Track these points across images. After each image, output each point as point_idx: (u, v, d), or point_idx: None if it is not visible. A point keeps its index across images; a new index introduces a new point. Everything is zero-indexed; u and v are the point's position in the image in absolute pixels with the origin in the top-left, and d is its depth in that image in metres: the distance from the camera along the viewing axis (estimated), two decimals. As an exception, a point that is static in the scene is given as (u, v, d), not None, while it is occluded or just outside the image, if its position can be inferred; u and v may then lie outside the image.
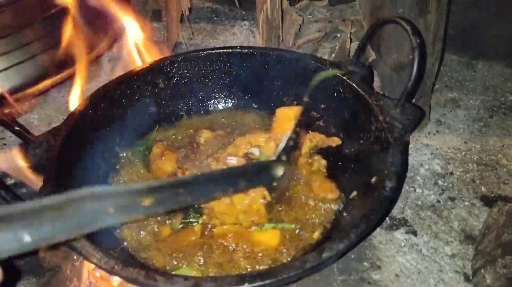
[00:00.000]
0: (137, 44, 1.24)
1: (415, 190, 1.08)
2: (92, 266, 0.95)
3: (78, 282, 0.96)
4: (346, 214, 0.92)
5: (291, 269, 0.67)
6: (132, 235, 0.91)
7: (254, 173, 0.86)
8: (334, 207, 0.94)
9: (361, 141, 0.98)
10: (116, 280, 0.94)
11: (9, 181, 0.95)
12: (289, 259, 0.85)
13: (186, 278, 0.66)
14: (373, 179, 0.86)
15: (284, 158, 0.91)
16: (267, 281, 0.66)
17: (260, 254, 0.86)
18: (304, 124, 1.00)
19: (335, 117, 1.08)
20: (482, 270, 0.86)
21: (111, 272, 0.69)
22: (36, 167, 0.88)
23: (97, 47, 1.36)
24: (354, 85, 1.00)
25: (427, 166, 1.14)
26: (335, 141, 1.06)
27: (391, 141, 0.85)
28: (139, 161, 1.05)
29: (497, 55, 1.45)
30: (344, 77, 1.02)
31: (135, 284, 0.69)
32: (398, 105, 0.91)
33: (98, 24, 1.32)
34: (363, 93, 0.97)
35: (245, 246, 0.86)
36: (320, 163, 1.04)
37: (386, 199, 0.77)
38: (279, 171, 0.89)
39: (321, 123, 1.10)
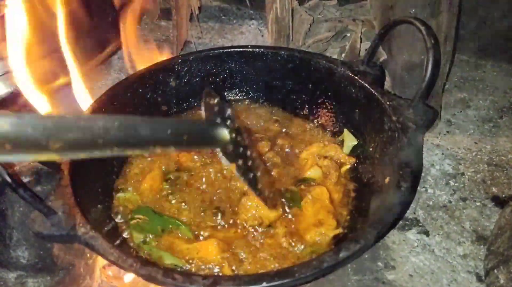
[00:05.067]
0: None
1: (426, 190, 1.08)
2: (104, 264, 0.95)
3: (90, 280, 0.97)
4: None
5: (309, 269, 0.68)
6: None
7: (196, 130, 0.70)
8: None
9: (374, 142, 0.98)
10: (127, 277, 0.95)
11: (25, 179, 0.95)
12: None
13: (204, 276, 0.66)
14: (387, 180, 0.87)
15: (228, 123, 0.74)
16: (285, 281, 0.66)
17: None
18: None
19: (347, 118, 1.07)
20: (495, 270, 0.86)
21: (129, 270, 0.69)
22: (50, 165, 0.88)
23: (107, 47, 1.36)
24: (366, 85, 1.00)
25: (438, 167, 1.14)
26: (349, 161, 1.02)
27: (405, 141, 0.86)
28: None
29: (506, 55, 1.44)
30: (356, 77, 1.02)
31: (153, 283, 0.69)
32: (411, 105, 0.91)
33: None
34: (375, 93, 0.97)
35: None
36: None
37: (402, 199, 0.77)
38: (224, 134, 0.72)
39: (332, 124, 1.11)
